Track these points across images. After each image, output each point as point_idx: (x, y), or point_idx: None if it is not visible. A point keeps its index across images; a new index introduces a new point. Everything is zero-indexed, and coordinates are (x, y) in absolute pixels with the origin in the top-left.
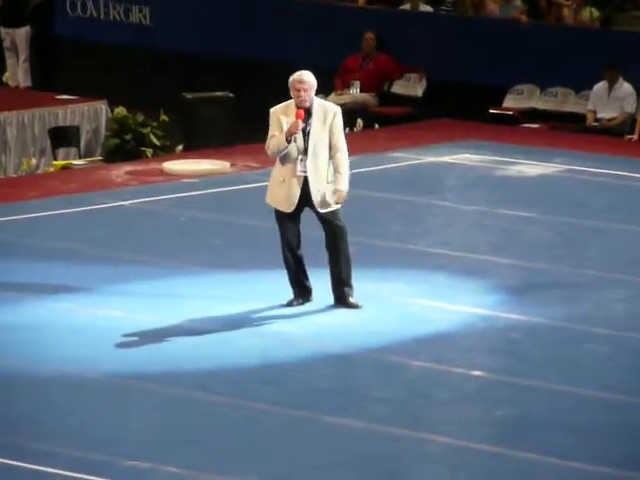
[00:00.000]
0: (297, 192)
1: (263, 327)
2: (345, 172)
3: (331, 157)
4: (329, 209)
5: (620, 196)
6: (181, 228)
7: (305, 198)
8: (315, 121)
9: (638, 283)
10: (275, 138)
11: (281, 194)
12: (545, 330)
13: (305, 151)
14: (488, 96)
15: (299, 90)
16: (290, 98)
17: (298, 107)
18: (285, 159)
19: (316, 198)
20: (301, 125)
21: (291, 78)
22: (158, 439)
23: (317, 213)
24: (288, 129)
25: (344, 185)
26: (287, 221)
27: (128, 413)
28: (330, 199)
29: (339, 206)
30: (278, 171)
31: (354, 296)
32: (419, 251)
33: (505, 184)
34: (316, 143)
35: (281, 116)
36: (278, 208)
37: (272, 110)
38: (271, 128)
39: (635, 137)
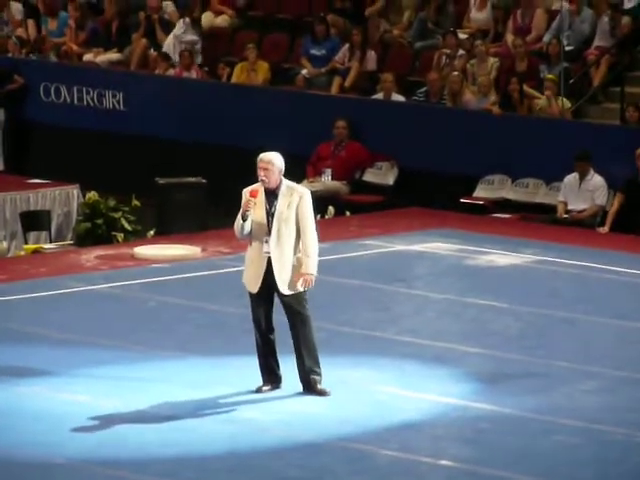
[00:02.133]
0: (261, 273)
1: (231, 414)
2: (312, 255)
3: (299, 240)
4: (292, 292)
5: (591, 288)
6: (150, 313)
7: (269, 279)
8: (280, 203)
9: (608, 375)
10: (237, 218)
11: (249, 274)
12: (515, 421)
13: (269, 232)
14: (459, 186)
15: (261, 169)
16: None
17: (265, 188)
18: (253, 239)
19: (279, 280)
20: (253, 202)
21: (258, 157)
22: None
23: (281, 297)
24: (242, 207)
25: (311, 269)
26: (256, 303)
27: None
28: (295, 282)
29: (303, 290)
30: (249, 251)
31: (322, 383)
32: (388, 339)
33: (475, 273)
34: (280, 224)
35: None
36: (247, 288)
37: (244, 191)
38: (241, 208)
39: (606, 229)
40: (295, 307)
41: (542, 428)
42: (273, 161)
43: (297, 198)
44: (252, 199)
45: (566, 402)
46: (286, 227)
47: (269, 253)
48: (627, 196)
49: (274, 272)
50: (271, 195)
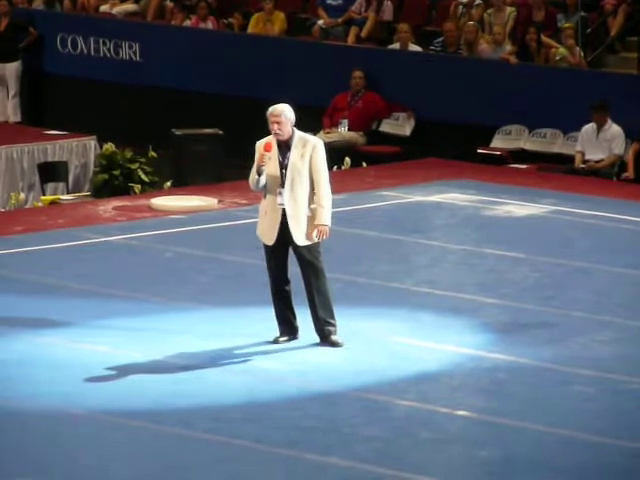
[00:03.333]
0: (276, 225)
1: (248, 364)
2: (327, 206)
3: (313, 191)
4: (307, 243)
5: (607, 237)
6: (167, 264)
7: (284, 231)
8: (293, 154)
9: (625, 325)
10: (252, 172)
11: (264, 226)
12: (531, 371)
13: (283, 184)
14: (476, 136)
15: (273, 123)
16: None
17: (277, 140)
18: (267, 192)
19: (294, 231)
20: (267, 157)
21: (267, 111)
22: (142, 476)
23: (295, 249)
24: (256, 162)
25: (326, 219)
26: (271, 255)
27: (112, 449)
28: (310, 233)
29: (318, 241)
30: (263, 204)
31: (337, 334)
32: (405, 290)
33: (492, 224)
34: (294, 176)
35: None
36: (262, 240)
37: (257, 144)
38: (255, 162)
39: (630, 174)
40: (308, 259)
41: (558, 378)
42: (284, 113)
43: (310, 149)
44: (266, 153)
45: (582, 352)
46: (299, 178)
47: (283, 205)
48: None
49: (288, 224)
50: (284, 147)
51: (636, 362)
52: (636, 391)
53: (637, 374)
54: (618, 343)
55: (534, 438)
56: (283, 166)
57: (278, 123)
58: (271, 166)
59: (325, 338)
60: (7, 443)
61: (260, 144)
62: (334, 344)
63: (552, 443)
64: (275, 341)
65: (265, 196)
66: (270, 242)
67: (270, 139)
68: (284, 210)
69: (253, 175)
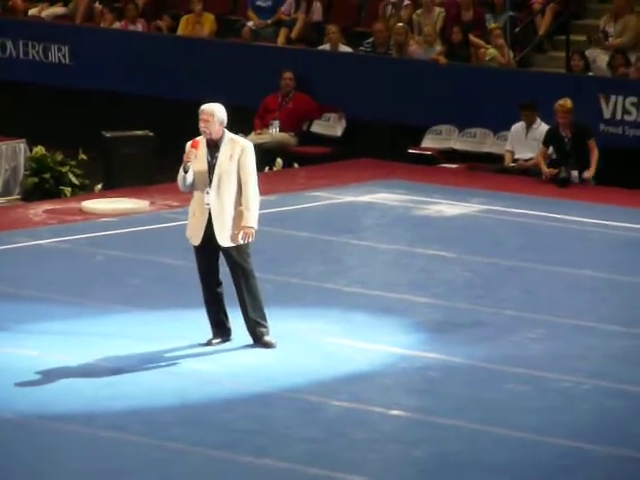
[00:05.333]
0: (203, 225)
1: (181, 366)
2: (253, 209)
3: (241, 193)
4: (231, 244)
5: (537, 236)
6: (99, 267)
7: (210, 232)
8: (222, 154)
9: (555, 323)
10: (180, 170)
11: (191, 226)
12: (464, 369)
13: (210, 183)
14: (407, 136)
15: (201, 120)
16: None
17: (207, 139)
18: (196, 191)
19: (218, 232)
20: (193, 154)
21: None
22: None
23: (222, 250)
24: (183, 158)
25: (252, 221)
26: (201, 256)
27: (44, 454)
28: (236, 235)
29: (245, 242)
30: (191, 204)
31: (269, 334)
32: (337, 290)
33: (424, 224)
34: (221, 176)
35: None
36: (190, 241)
37: (187, 143)
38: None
39: (547, 173)
40: (237, 260)
41: (491, 377)
42: (214, 112)
43: (239, 150)
44: (193, 150)
45: (514, 350)
46: (227, 179)
47: (209, 205)
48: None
49: (213, 224)
50: (213, 146)
51: (567, 360)
52: (568, 389)
53: (568, 372)
54: (549, 341)
55: (468, 436)
56: (211, 165)
57: (205, 121)
58: (200, 165)
59: (258, 339)
60: None
61: (190, 142)
62: (267, 345)
63: (485, 441)
64: (208, 343)
65: (194, 196)
66: (196, 242)
67: (200, 138)
68: (210, 210)
69: (180, 173)
